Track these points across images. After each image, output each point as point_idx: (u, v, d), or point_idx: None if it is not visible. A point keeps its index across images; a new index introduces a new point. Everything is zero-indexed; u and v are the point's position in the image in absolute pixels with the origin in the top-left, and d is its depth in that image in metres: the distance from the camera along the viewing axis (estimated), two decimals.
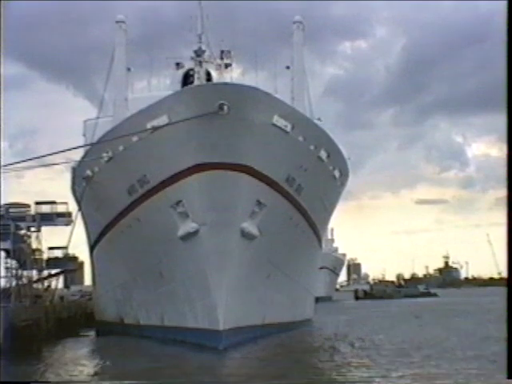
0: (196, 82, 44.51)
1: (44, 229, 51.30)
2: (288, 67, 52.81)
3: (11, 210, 49.28)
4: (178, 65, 55.73)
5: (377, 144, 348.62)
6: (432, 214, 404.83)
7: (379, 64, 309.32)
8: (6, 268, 48.86)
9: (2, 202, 48.58)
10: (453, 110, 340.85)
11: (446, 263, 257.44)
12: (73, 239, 47.53)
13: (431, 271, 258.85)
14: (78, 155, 45.71)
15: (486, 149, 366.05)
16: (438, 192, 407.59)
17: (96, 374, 30.63)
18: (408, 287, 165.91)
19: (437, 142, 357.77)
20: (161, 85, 56.45)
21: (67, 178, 50.57)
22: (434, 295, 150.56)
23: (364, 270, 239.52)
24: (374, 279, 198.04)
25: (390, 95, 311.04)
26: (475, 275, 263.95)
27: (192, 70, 48.29)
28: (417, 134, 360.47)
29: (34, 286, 53.09)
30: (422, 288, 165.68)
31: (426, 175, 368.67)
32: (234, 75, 52.55)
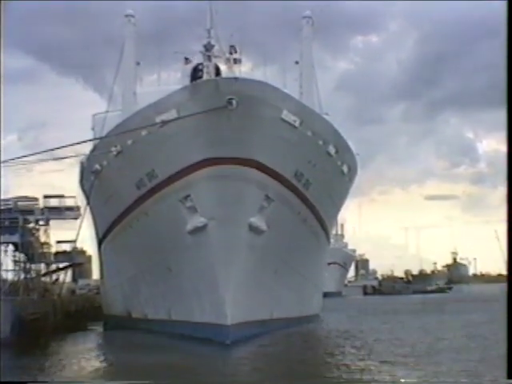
0: (205, 77, 44.48)
1: (52, 222, 51.33)
2: (297, 62, 52.92)
3: (20, 203, 49.31)
4: (186, 59, 55.58)
5: (387, 139, 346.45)
6: (441, 210, 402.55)
7: (391, 59, 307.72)
8: (15, 261, 48.97)
9: (11, 196, 48.76)
10: (464, 106, 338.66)
11: (455, 259, 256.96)
12: (81, 233, 47.55)
13: (439, 267, 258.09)
14: (86, 149, 45.71)
15: (496, 145, 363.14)
16: (447, 188, 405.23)
17: (102, 369, 30.63)
18: (417, 283, 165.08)
19: (447, 138, 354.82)
20: (170, 79, 56.35)
21: (76, 171, 50.65)
22: (443, 291, 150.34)
23: (372, 265, 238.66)
24: (382, 275, 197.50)
25: (401, 90, 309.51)
26: (483, 272, 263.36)
27: (201, 64, 48.25)
28: (427, 129, 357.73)
29: (42, 279, 53.18)
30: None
31: (435, 171, 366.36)
32: (243, 69, 52.41)
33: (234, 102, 33.65)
